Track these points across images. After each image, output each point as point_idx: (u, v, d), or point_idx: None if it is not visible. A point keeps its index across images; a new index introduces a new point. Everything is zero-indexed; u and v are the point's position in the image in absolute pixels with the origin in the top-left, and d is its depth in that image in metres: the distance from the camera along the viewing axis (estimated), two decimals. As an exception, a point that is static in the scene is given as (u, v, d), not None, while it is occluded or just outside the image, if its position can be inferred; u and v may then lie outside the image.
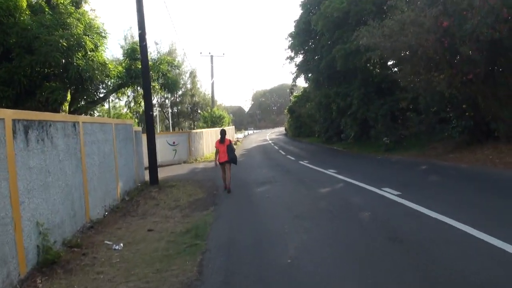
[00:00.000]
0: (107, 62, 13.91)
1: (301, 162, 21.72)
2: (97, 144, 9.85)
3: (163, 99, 55.40)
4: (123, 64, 17.02)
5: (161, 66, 16.94)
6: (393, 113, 25.23)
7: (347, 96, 26.82)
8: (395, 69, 26.43)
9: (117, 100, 33.36)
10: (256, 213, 9.41)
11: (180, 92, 56.24)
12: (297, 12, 34.25)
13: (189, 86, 56.57)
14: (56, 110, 12.42)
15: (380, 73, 27.34)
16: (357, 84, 26.45)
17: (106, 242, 7.46)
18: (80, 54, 12.60)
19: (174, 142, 27.51)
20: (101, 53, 13.96)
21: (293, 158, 25.16)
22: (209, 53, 47.53)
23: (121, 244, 7.18)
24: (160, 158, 26.46)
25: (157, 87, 17.43)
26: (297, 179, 14.73)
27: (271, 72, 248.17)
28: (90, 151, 9.21)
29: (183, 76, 55.98)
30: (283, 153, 31.22)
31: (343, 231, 7.10)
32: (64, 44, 11.93)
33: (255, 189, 13.12)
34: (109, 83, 14.72)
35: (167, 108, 53.22)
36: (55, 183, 7.01)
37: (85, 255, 6.69)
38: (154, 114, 51.86)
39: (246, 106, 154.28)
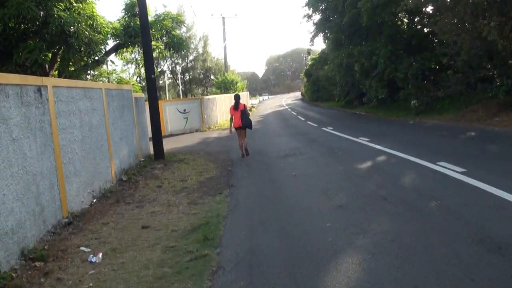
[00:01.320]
0: (97, 15, 11.62)
1: (325, 129, 19.53)
2: (78, 114, 7.77)
3: (173, 65, 53.21)
4: (121, 21, 14.77)
5: (164, 22, 14.57)
6: (424, 73, 22.65)
7: (373, 54, 24.12)
8: (424, 23, 23.77)
9: (125, 65, 30.58)
10: (284, 200, 7.26)
11: (191, 57, 53.95)
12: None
13: (200, 50, 54.08)
14: (37, 73, 10.31)
15: (410, 28, 24.62)
16: (384, 41, 23.74)
17: (82, 249, 5.46)
18: (62, 5, 10.36)
19: (185, 110, 25.46)
20: (91, 5, 11.68)
21: (315, 125, 22.97)
22: (221, 14, 44.81)
23: (100, 255, 5.16)
24: (170, 127, 24.66)
25: (161, 47, 15.13)
26: (326, 150, 12.57)
27: (285, 36, 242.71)
28: (67, 124, 7.14)
29: (194, 40, 53.54)
30: (302, 119, 29.04)
31: (412, 233, 4.96)
32: (41, -8, 9.73)
33: (277, 163, 11.02)
34: (102, 42, 12.43)
35: (177, 74, 50.89)
36: (5, 172, 4.97)
37: (47, 275, 4.69)
38: (166, 81, 49.79)
39: (260, 71, 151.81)
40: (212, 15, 53.31)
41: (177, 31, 14.69)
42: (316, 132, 18.68)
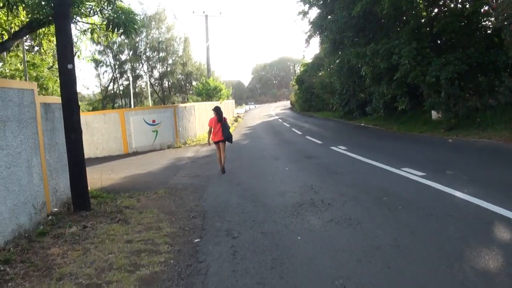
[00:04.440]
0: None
1: (335, 149, 14.47)
2: None
3: (150, 69, 48.00)
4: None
5: (104, -12, 9.32)
6: (459, 77, 17.68)
7: (392, 54, 19.02)
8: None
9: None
10: None
11: (170, 61, 48.72)
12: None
13: (180, 53, 48.77)
14: None
15: (437, 20, 19.62)
16: (406, 37, 18.80)
17: None
18: None
19: (154, 121, 20.18)
20: None
21: (317, 141, 17.90)
22: (203, 12, 39.26)
23: None
24: (134, 143, 19.48)
25: (100, 24, 9.79)
26: (367, 199, 7.29)
27: (272, 44, 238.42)
28: None
29: (174, 42, 48.41)
30: (298, 132, 23.96)
31: None
32: None
33: (288, 235, 5.69)
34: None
35: (147, 77, 45.34)
36: None
37: None
38: (131, 85, 44.20)
39: (246, 80, 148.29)
40: (193, 12, 46.75)
41: (122, 4, 9.28)
42: (326, 155, 13.53)
